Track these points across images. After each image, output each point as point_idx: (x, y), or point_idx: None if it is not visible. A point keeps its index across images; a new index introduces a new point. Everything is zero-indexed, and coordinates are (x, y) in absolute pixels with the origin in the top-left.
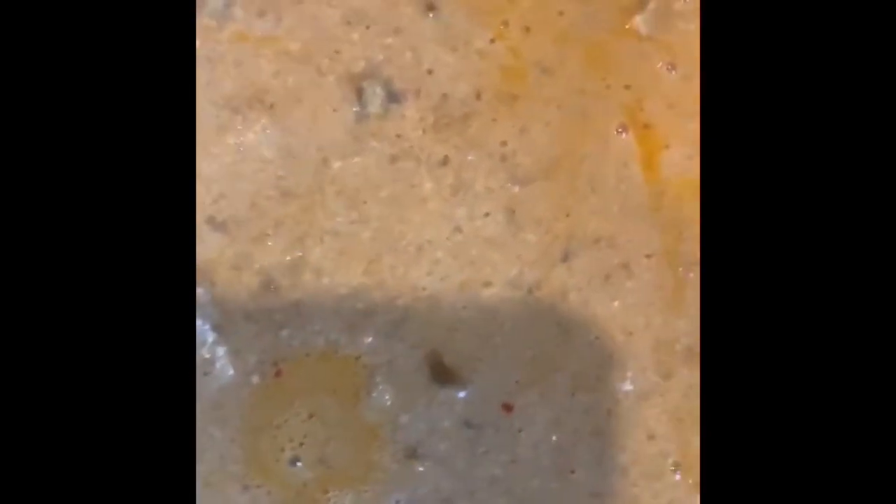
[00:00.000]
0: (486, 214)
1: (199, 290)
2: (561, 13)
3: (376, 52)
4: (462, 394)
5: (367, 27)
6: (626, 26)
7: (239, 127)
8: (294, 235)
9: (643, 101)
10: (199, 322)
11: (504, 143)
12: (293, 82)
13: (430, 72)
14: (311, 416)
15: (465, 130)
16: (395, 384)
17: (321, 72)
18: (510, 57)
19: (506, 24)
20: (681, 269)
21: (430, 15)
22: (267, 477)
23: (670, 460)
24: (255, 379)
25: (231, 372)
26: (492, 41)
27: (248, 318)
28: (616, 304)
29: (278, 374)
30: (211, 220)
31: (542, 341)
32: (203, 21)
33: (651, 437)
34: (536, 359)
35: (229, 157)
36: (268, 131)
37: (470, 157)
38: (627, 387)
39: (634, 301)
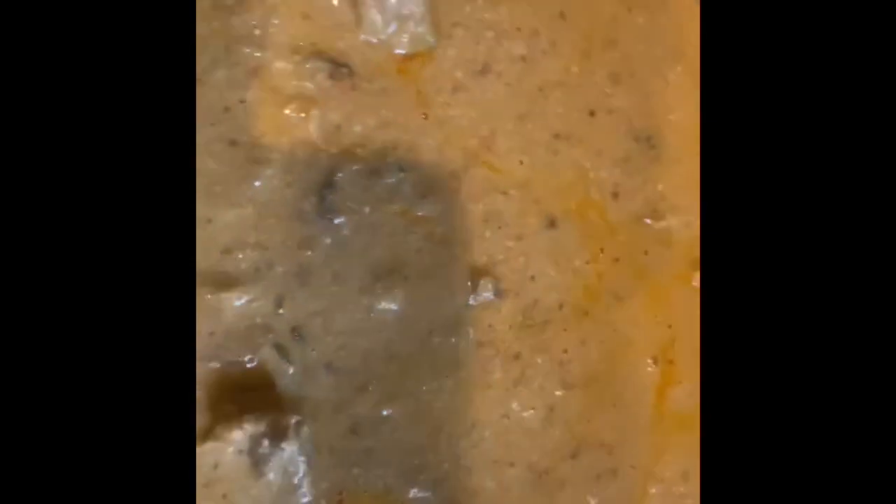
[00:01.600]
0: (532, 409)
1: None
2: (646, 252)
3: (498, 252)
4: None
5: (499, 227)
6: (693, 282)
7: (378, 291)
8: (386, 392)
9: (676, 341)
10: (293, 448)
11: (565, 351)
12: (429, 262)
13: (532, 278)
14: None
15: (541, 334)
16: None
17: (453, 259)
18: (595, 279)
19: (602, 250)
20: (652, 489)
21: (550, 230)
22: None
23: None
24: (323, 502)
25: (306, 495)
26: (587, 262)
27: (332, 451)
28: (593, 502)
29: (340, 502)
30: (329, 366)
31: None
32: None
33: None
34: None
35: (360, 315)
36: (397, 300)
37: (538, 359)
38: None
39: (609, 500)
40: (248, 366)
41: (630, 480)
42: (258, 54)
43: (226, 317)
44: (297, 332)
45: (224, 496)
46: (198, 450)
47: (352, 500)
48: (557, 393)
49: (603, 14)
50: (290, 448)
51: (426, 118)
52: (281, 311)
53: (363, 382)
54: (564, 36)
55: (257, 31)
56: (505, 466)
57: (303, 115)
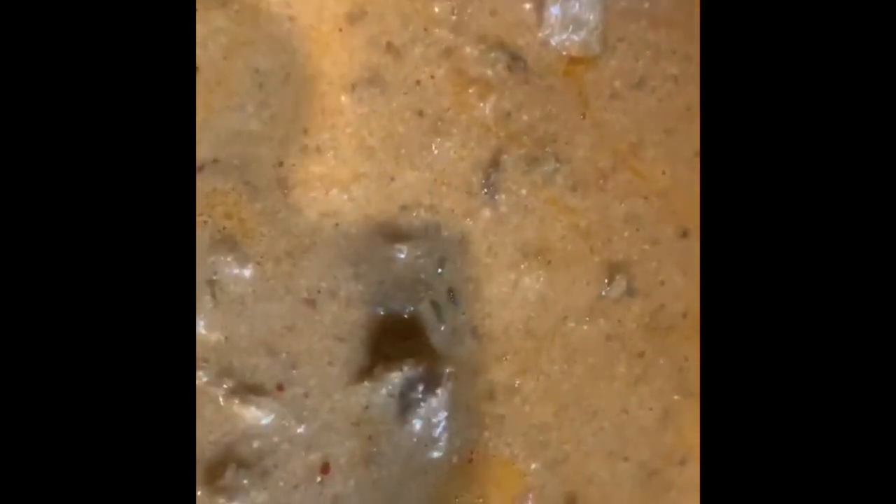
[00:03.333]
0: (650, 409)
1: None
2: None
3: (634, 253)
4: None
5: (637, 230)
6: None
7: (524, 269)
8: (521, 365)
9: None
10: (443, 398)
11: (686, 359)
12: (571, 250)
13: (662, 283)
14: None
15: (666, 338)
16: None
17: (592, 251)
18: None
19: None
20: None
21: (682, 240)
22: None
23: None
24: (455, 459)
25: (441, 448)
26: None
27: (468, 411)
28: None
29: (470, 461)
30: (474, 331)
31: None
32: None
33: None
34: None
35: (506, 289)
36: (540, 280)
37: (661, 361)
38: None
39: None
40: (406, 316)
41: None
42: (452, 37)
43: (396, 267)
44: (452, 293)
45: (369, 437)
46: (352, 389)
47: (480, 461)
48: (675, 397)
49: None
50: (440, 396)
51: (584, 118)
52: (440, 271)
53: (502, 352)
54: None
55: (454, 17)
56: (619, 459)
57: (482, 97)
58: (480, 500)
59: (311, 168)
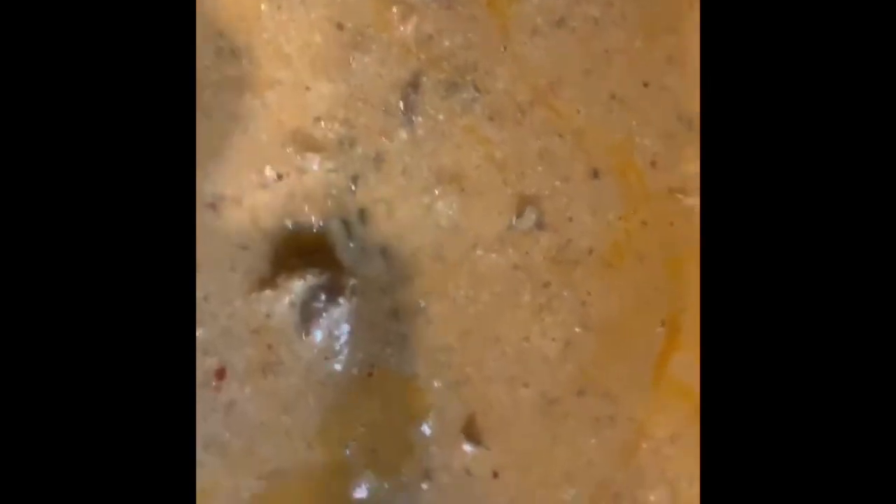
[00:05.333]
0: (553, 339)
1: (342, 299)
2: (671, 224)
3: (546, 188)
4: None
5: (550, 166)
6: None
7: (437, 194)
8: (427, 288)
9: (685, 312)
10: (344, 309)
11: (589, 293)
12: (485, 180)
13: (570, 219)
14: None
15: (571, 272)
16: None
17: (506, 183)
18: (623, 235)
19: (634, 211)
20: (643, 444)
21: (593, 180)
22: None
23: None
24: (355, 371)
25: (342, 361)
26: (619, 218)
27: (372, 327)
28: (591, 441)
29: (370, 374)
30: (384, 251)
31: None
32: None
33: None
34: None
35: (418, 212)
36: (453, 207)
37: (565, 293)
38: None
39: (604, 443)
40: (314, 231)
41: (625, 430)
42: None
43: (307, 179)
44: (363, 213)
45: (269, 346)
46: (254, 296)
47: (380, 377)
48: (576, 330)
49: (670, 5)
50: (343, 307)
51: (504, 50)
52: (353, 188)
53: (409, 274)
54: (634, 12)
55: None
56: (519, 386)
57: (404, 18)
58: (380, 416)
59: (224, 71)
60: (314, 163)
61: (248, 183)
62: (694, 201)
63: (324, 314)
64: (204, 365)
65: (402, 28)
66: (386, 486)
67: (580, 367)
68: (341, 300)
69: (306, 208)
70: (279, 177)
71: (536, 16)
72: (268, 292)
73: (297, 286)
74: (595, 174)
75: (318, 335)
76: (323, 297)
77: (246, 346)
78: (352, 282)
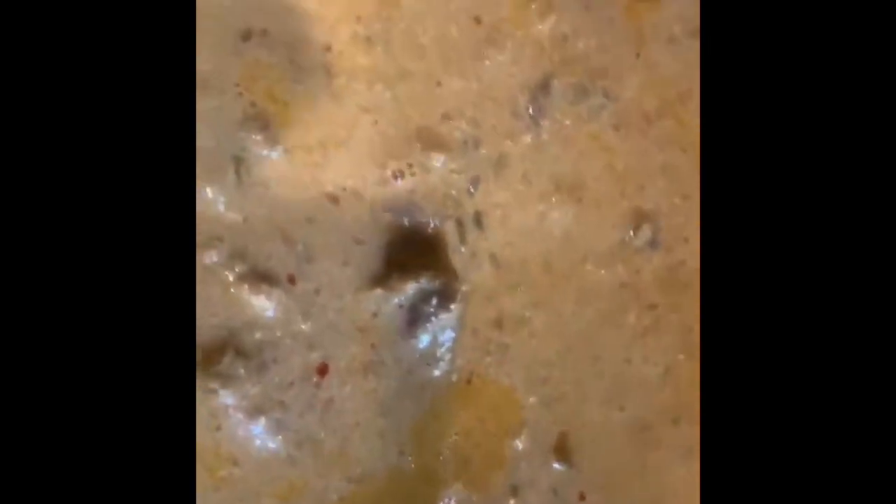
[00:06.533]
0: (654, 364)
1: (454, 306)
2: None
3: (664, 204)
4: None
5: (672, 181)
6: None
7: (554, 203)
8: (534, 299)
9: None
10: (455, 315)
11: (696, 320)
12: (603, 191)
13: (686, 240)
14: None
15: (681, 295)
16: None
17: (623, 196)
18: None
19: None
20: None
21: None
22: None
23: None
24: (454, 378)
25: (443, 367)
26: None
27: (475, 334)
28: (679, 472)
29: (469, 382)
30: (494, 257)
31: None
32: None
33: None
34: None
35: (532, 220)
36: (568, 216)
37: (672, 317)
38: None
39: (691, 475)
40: (429, 231)
41: None
42: None
43: (428, 178)
44: (478, 216)
45: (373, 345)
46: (363, 295)
47: (479, 385)
48: (679, 357)
49: None
50: (453, 313)
51: (638, 57)
52: (472, 190)
53: (517, 282)
54: None
55: None
56: (615, 408)
57: (542, 15)
58: (477, 424)
59: (358, 58)
60: (438, 161)
61: (370, 176)
62: None
63: (432, 319)
64: (308, 359)
65: (539, 26)
66: (474, 498)
67: (678, 395)
68: (452, 307)
69: (424, 207)
70: (402, 173)
71: (674, 24)
72: (378, 291)
73: (409, 288)
74: None
75: (423, 339)
76: (434, 301)
77: (350, 344)
78: (464, 288)
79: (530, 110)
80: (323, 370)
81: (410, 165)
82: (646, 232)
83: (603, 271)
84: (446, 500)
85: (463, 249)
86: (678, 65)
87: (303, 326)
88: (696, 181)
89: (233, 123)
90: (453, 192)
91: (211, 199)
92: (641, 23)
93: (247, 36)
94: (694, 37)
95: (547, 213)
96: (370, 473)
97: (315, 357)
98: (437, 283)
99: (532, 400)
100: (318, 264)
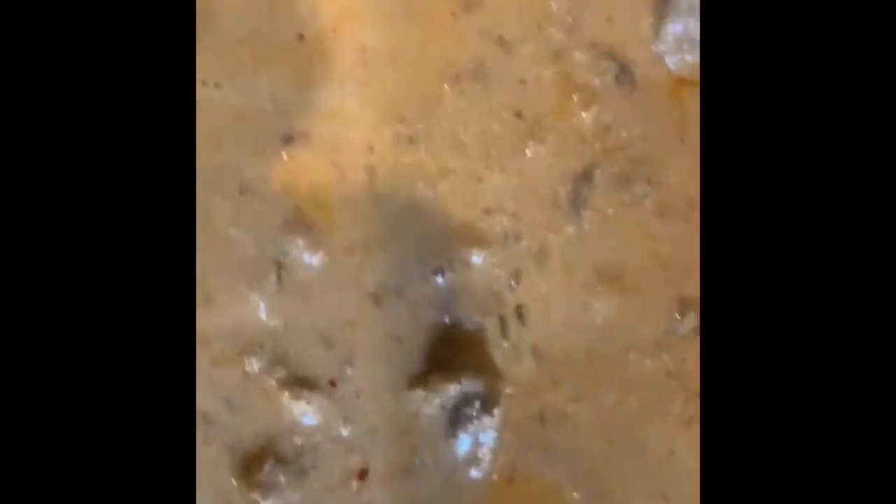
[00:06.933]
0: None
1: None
2: None
3: None
4: None
5: None
6: None
7: (597, 293)
8: (577, 392)
9: None
10: (498, 419)
11: None
12: (647, 279)
13: None
14: None
15: None
16: None
17: (669, 283)
18: None
19: None
20: None
21: None
22: None
23: None
24: (495, 477)
25: (483, 467)
26: None
27: (517, 431)
28: None
29: (510, 481)
30: (535, 350)
31: None
32: None
33: None
34: None
35: (575, 311)
36: (611, 307)
37: None
38: None
39: None
40: (469, 327)
41: None
42: (564, 39)
43: (469, 274)
44: (520, 309)
45: (413, 447)
46: (404, 395)
47: (521, 483)
48: None
49: None
50: (496, 417)
51: (682, 142)
52: (514, 284)
53: (560, 375)
54: None
55: (569, 19)
56: (658, 501)
57: (585, 106)
58: None
59: (401, 158)
60: (479, 257)
61: (411, 275)
62: None
63: (474, 421)
64: (347, 463)
65: (581, 116)
66: None
67: None
68: (496, 411)
69: (465, 303)
70: (443, 271)
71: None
72: (419, 391)
73: (451, 390)
74: None
75: (464, 441)
76: (477, 404)
77: (390, 446)
78: (507, 390)
79: (572, 201)
80: (363, 475)
81: (451, 262)
82: (691, 319)
83: (648, 361)
84: None
85: (505, 344)
86: None
87: (343, 431)
88: None
89: (274, 228)
90: (494, 287)
91: (252, 304)
92: (685, 107)
93: (288, 139)
94: None
95: (590, 304)
96: None
97: (355, 461)
98: (478, 384)
99: (576, 495)
100: (359, 366)
